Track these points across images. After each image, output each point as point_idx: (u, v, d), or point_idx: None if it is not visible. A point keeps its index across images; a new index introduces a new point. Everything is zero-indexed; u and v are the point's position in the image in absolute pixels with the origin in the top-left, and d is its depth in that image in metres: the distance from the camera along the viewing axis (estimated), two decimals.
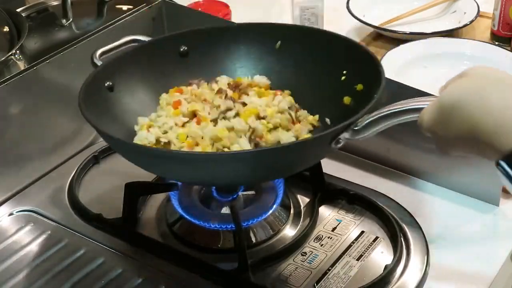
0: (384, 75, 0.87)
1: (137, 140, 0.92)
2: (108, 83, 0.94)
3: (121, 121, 0.94)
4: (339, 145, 0.81)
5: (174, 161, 0.81)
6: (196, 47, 1.02)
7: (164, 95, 0.98)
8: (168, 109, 0.94)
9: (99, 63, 0.97)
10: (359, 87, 0.93)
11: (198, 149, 0.88)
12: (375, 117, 0.79)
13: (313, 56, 0.99)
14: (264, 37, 1.02)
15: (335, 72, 0.96)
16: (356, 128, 0.80)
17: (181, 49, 1.02)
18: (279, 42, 1.02)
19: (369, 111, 0.80)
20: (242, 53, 1.03)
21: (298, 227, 0.96)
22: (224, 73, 1.02)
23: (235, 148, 0.87)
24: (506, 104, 0.66)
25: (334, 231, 0.95)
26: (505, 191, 0.99)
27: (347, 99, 0.94)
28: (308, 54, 1.00)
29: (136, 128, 0.94)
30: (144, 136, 0.91)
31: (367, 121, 0.79)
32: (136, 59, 0.99)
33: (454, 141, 0.71)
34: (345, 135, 0.80)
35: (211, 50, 1.03)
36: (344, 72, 0.95)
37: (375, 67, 0.89)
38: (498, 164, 0.66)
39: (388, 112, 0.78)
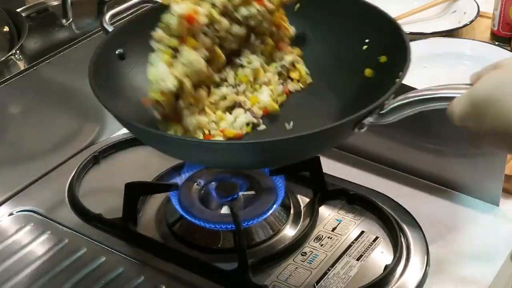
0: (411, 51, 0.82)
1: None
2: (119, 50, 0.90)
3: (131, 94, 0.89)
4: (363, 130, 0.77)
5: (191, 148, 0.78)
6: None
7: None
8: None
9: (109, 28, 0.93)
10: (383, 59, 0.88)
11: None
12: (402, 102, 0.75)
13: (334, 21, 0.94)
14: None
15: (357, 41, 0.91)
16: (382, 112, 0.76)
17: None
18: (298, 5, 0.97)
19: (395, 92, 0.77)
20: None
21: (298, 227, 0.96)
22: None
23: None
24: None
25: (334, 231, 0.95)
26: (505, 191, 0.99)
27: (368, 71, 0.90)
28: (328, 18, 0.94)
29: None
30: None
31: (394, 105, 0.76)
32: (149, 24, 0.90)
33: (487, 136, 0.69)
34: (370, 119, 0.76)
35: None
36: (367, 41, 0.90)
37: (401, 40, 0.84)
38: None
39: (417, 98, 0.75)
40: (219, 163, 0.86)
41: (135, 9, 0.98)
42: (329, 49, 0.95)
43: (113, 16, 0.95)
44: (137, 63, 0.91)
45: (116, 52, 0.90)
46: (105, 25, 0.93)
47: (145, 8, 0.98)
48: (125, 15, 0.98)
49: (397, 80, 0.79)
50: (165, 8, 0.87)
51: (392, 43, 0.86)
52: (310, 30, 0.97)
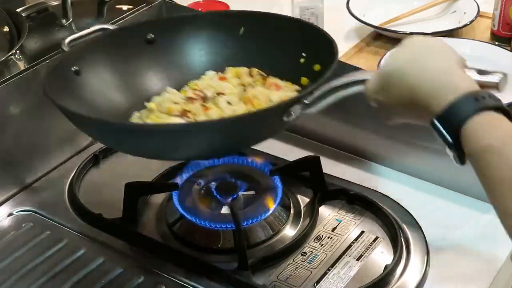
0: (337, 53, 0.89)
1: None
2: (75, 67, 0.95)
3: (89, 102, 0.94)
4: (291, 118, 0.82)
5: (124, 132, 0.83)
6: (162, 35, 1.03)
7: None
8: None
9: (66, 49, 0.98)
10: (316, 67, 0.95)
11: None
12: (324, 90, 0.81)
13: (274, 40, 1.01)
14: (228, 23, 1.04)
15: (295, 55, 0.98)
16: (306, 101, 0.82)
17: (148, 37, 1.03)
18: (242, 28, 1.03)
19: (317, 86, 0.82)
20: (207, 40, 1.04)
21: (298, 227, 0.96)
22: (189, 59, 1.04)
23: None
24: (441, 69, 0.71)
25: (334, 231, 0.95)
26: None
27: (304, 80, 0.96)
28: (269, 38, 1.01)
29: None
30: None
31: (317, 94, 0.82)
32: (103, 46, 1.00)
33: (395, 108, 0.75)
34: (297, 108, 0.82)
35: (177, 37, 1.04)
36: (304, 54, 0.98)
37: (329, 46, 0.91)
38: (432, 124, 0.70)
39: (335, 85, 0.81)
40: (146, 150, 0.88)
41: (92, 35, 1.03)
42: (272, 66, 1.00)
43: (71, 41, 0.99)
44: (91, 79, 0.96)
45: (72, 69, 0.95)
46: (63, 47, 0.98)
47: (99, 34, 1.02)
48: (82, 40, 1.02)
49: (323, 76, 0.85)
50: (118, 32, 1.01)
51: (324, 52, 0.92)
52: (254, 49, 1.02)
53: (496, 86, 0.74)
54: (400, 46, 0.76)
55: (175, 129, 0.83)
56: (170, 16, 1.07)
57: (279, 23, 1.01)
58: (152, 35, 1.03)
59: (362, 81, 0.79)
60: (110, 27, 1.03)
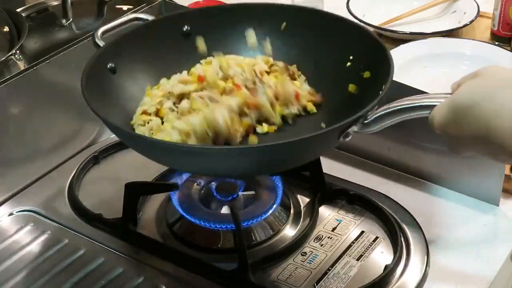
0: (393, 65, 0.85)
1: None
2: (110, 64, 0.92)
3: (122, 106, 0.92)
4: (348, 139, 0.80)
5: (176, 153, 0.80)
6: (199, 27, 1.00)
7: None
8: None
9: (101, 43, 0.95)
10: (366, 74, 0.91)
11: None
12: (385, 111, 0.78)
13: (319, 39, 0.97)
14: (269, 17, 1.00)
15: (341, 57, 0.94)
16: (365, 121, 0.79)
17: (184, 29, 0.99)
18: (284, 23, 0.99)
19: (378, 103, 0.79)
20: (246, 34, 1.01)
21: (298, 227, 0.96)
22: (228, 52, 0.99)
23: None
24: None
25: (334, 231, 0.95)
26: (505, 191, 0.99)
27: (352, 87, 0.92)
28: (313, 36, 0.97)
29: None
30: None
31: (377, 115, 0.79)
32: (138, 40, 0.96)
33: (467, 142, 0.72)
34: (354, 128, 0.79)
35: (214, 30, 1.00)
36: (351, 57, 0.94)
37: (384, 56, 0.87)
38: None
39: (399, 107, 0.78)
40: (203, 169, 0.86)
41: (127, 25, 1.01)
42: (315, 65, 0.98)
43: (104, 32, 0.97)
44: (128, 77, 0.94)
45: (108, 66, 0.92)
46: (97, 40, 0.95)
47: (135, 25, 1.00)
48: (116, 31, 0.99)
49: (380, 92, 0.81)
50: (154, 24, 0.96)
51: (375, 59, 0.89)
52: (296, 47, 0.99)
53: None
54: (476, 76, 0.72)
55: (232, 153, 0.80)
56: (208, 7, 1.01)
57: (324, 20, 0.97)
58: (188, 27, 0.99)
59: (429, 107, 0.75)
60: (144, 16, 1.00)
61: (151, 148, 0.83)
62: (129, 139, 0.86)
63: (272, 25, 1.00)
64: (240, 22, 1.00)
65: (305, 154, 0.83)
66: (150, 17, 1.00)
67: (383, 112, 0.78)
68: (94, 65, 0.89)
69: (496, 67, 0.73)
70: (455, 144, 0.74)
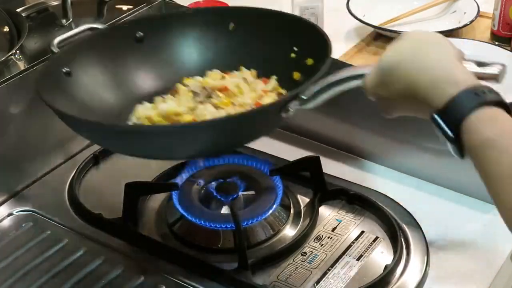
0: (331, 47, 0.89)
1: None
2: (65, 69, 0.95)
3: (82, 103, 0.94)
4: (289, 113, 0.82)
5: (124, 134, 0.83)
6: (151, 33, 1.03)
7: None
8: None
9: (56, 50, 0.98)
10: (309, 61, 0.95)
11: None
12: (321, 86, 0.81)
13: (265, 35, 1.01)
14: (218, 20, 1.04)
15: (286, 49, 0.98)
16: (303, 97, 0.82)
17: (137, 35, 1.03)
18: (232, 24, 1.03)
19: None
20: (197, 37, 1.05)
21: (298, 227, 0.96)
22: (179, 56, 1.04)
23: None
24: (440, 62, 0.71)
25: (334, 231, 0.95)
26: None
27: (296, 75, 0.96)
28: (260, 34, 1.01)
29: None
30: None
31: (315, 90, 0.82)
32: (93, 46, 1.00)
33: (395, 102, 0.75)
34: (295, 104, 0.82)
35: (166, 34, 1.04)
36: (295, 48, 0.97)
37: (322, 40, 0.91)
38: (432, 118, 0.70)
39: (334, 80, 0.81)
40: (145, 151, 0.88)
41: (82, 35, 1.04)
42: (263, 59, 1.01)
43: (60, 41, 1.00)
44: (83, 80, 0.97)
45: (63, 70, 0.95)
46: (52, 48, 0.99)
47: (88, 33, 1.03)
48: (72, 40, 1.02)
49: (319, 71, 0.84)
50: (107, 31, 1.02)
51: (315, 46, 0.92)
52: (245, 45, 1.02)
53: (495, 77, 0.74)
54: (398, 40, 0.76)
55: (172, 130, 0.83)
56: (159, 14, 1.07)
57: (268, 18, 1.01)
58: (141, 33, 1.03)
59: (360, 76, 0.78)
60: (99, 26, 1.03)
61: (97, 132, 0.87)
62: (73, 123, 0.88)
63: (221, 27, 1.04)
64: (190, 25, 1.04)
65: (250, 130, 0.86)
66: (103, 26, 1.04)
67: (319, 87, 0.81)
68: (48, 69, 0.93)
69: (418, 30, 0.78)
70: (386, 106, 0.78)
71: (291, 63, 0.97)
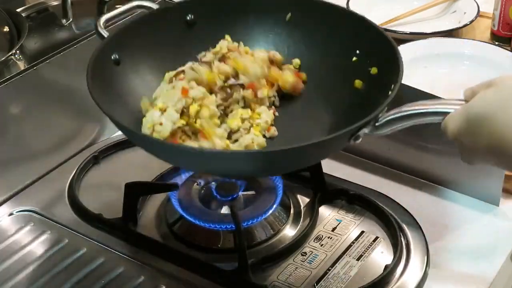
0: (403, 64, 0.83)
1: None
2: (114, 55, 0.91)
3: (126, 99, 0.91)
4: (358, 141, 0.79)
5: (188, 155, 0.79)
6: (203, 16, 0.98)
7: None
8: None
9: (104, 33, 0.93)
10: (374, 70, 0.90)
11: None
12: (397, 115, 0.78)
13: (325, 31, 0.95)
14: (275, 7, 0.98)
15: (347, 52, 0.93)
16: (377, 124, 0.78)
17: (188, 18, 0.98)
18: (289, 14, 0.98)
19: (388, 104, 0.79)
20: (251, 23, 0.99)
21: (298, 227, 0.96)
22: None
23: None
24: None
25: (334, 231, 0.95)
26: (505, 191, 0.99)
27: (358, 83, 0.91)
28: (319, 29, 0.96)
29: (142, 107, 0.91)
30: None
31: (388, 118, 0.78)
32: (142, 29, 0.95)
33: (480, 152, 0.71)
34: (365, 131, 0.78)
35: (218, 19, 0.99)
36: (357, 52, 0.92)
37: (393, 53, 0.85)
38: None
39: (411, 112, 0.77)
40: (211, 169, 0.87)
41: (129, 13, 1.00)
42: (320, 58, 0.96)
43: (107, 20, 0.95)
44: (132, 69, 0.93)
45: (112, 57, 0.91)
46: (99, 29, 0.93)
47: (139, 13, 0.99)
48: (119, 19, 0.99)
49: (390, 93, 0.80)
50: (158, 14, 0.94)
51: (383, 55, 0.87)
52: (301, 39, 0.98)
53: None
54: (491, 86, 0.71)
55: (240, 156, 0.80)
56: None
57: (330, 13, 0.95)
58: (192, 16, 0.97)
59: (442, 113, 0.74)
60: (147, 4, 0.98)
61: (153, 148, 0.83)
62: (133, 138, 0.85)
63: (277, 15, 0.98)
64: (244, 10, 0.99)
65: (314, 157, 0.83)
66: (153, 5, 0.98)
67: (394, 116, 0.78)
68: (98, 57, 0.87)
69: (510, 77, 0.72)
70: (468, 153, 0.73)
71: (351, 67, 0.92)
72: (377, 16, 1.43)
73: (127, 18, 1.02)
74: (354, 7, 1.41)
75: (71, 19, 1.21)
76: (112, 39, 0.91)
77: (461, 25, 1.38)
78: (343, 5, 1.42)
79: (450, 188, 1.02)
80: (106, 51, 0.90)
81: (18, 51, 1.10)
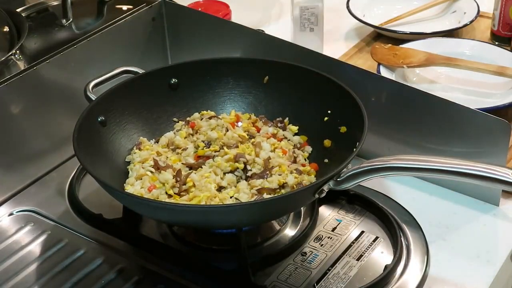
0: (367, 123, 0.88)
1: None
2: (101, 118, 0.96)
3: (111, 157, 0.96)
4: (323, 195, 0.84)
5: (167, 211, 0.84)
6: (186, 80, 1.04)
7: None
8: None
9: (92, 96, 0.99)
10: (343, 129, 0.96)
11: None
12: (356, 171, 0.82)
13: (299, 93, 1.02)
14: (253, 71, 1.04)
15: (320, 111, 0.99)
16: (339, 179, 0.83)
17: (172, 82, 1.04)
18: (266, 77, 1.04)
19: (351, 161, 0.84)
20: (230, 86, 1.05)
21: (298, 227, 0.96)
22: (212, 104, 1.05)
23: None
24: None
25: (334, 231, 0.95)
26: (505, 191, 0.99)
27: (327, 142, 0.98)
28: (294, 91, 1.02)
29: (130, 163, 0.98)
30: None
31: (350, 173, 0.83)
32: (128, 93, 1.01)
33: None
34: (329, 185, 0.83)
35: (200, 82, 1.05)
36: (329, 112, 0.98)
37: (359, 113, 0.90)
38: None
39: (369, 167, 0.81)
40: (180, 222, 0.91)
41: (117, 78, 1.04)
42: (295, 118, 1.02)
43: (95, 85, 1.01)
44: (117, 130, 0.99)
45: (98, 119, 0.96)
46: (88, 93, 1.00)
47: (124, 78, 1.04)
48: (107, 84, 1.03)
49: (354, 149, 0.86)
50: (142, 78, 1.02)
51: (351, 114, 0.92)
52: (277, 100, 1.04)
53: None
54: None
55: (214, 210, 0.84)
56: (194, 60, 1.06)
57: (305, 75, 1.01)
58: (175, 80, 1.04)
59: (400, 168, 0.81)
60: (133, 69, 1.04)
61: (140, 206, 0.87)
62: (120, 197, 0.89)
63: (255, 79, 1.04)
64: (225, 74, 1.05)
65: (282, 210, 0.88)
66: (139, 70, 1.04)
67: (355, 171, 0.82)
68: (85, 120, 0.93)
69: None
70: None
71: (323, 127, 0.98)
72: (377, 16, 1.43)
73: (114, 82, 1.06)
74: (354, 7, 1.42)
75: (71, 19, 1.21)
76: (98, 103, 0.97)
77: (461, 25, 1.38)
78: (344, 6, 1.42)
79: (450, 188, 1.02)
80: (93, 114, 0.96)
81: (18, 51, 1.10)
